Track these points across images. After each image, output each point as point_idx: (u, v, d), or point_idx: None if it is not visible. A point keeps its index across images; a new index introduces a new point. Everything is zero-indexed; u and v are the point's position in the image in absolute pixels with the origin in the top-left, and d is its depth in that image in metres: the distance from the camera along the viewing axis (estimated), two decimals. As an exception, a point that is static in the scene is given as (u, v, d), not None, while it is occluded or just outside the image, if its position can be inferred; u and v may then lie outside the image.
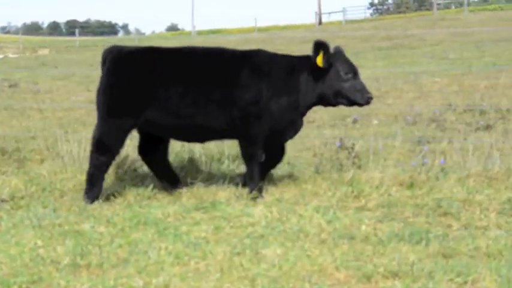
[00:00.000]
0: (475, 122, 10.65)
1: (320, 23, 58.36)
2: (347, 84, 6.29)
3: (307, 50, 6.60)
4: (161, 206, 6.05)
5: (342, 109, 6.77)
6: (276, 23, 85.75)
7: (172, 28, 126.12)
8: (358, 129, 10.43)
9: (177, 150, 7.47)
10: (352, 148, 7.22)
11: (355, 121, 11.11)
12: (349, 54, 6.56)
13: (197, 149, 7.43)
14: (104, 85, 6.38)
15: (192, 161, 7.25)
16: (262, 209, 5.80)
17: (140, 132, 6.52)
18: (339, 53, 6.43)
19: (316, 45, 6.28)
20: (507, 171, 6.54)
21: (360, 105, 6.36)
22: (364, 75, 7.29)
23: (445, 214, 5.72)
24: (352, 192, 6.22)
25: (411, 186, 6.42)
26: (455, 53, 23.51)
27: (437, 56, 23.75)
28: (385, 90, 15.00)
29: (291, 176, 6.97)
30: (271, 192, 6.38)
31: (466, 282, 4.26)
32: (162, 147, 6.63)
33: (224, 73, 6.35)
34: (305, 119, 6.62)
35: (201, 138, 6.60)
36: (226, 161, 7.43)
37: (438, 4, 57.64)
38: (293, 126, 6.42)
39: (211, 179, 6.84)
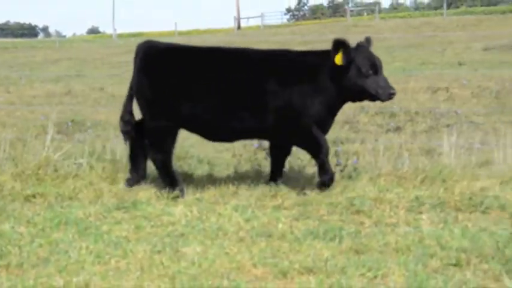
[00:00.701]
0: (385, 124, 11.00)
1: (239, 27, 58.62)
2: (369, 81, 6.21)
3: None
4: (82, 206, 6.04)
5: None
6: (196, 27, 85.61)
7: (93, 31, 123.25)
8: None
9: (99, 151, 7.45)
10: (270, 149, 7.35)
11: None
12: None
13: (118, 150, 7.40)
14: (137, 84, 6.43)
15: (113, 162, 7.20)
16: (182, 208, 5.86)
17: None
18: (361, 47, 6.32)
19: (335, 44, 6.14)
20: (415, 171, 6.70)
21: (382, 101, 6.32)
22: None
23: (358, 212, 5.82)
24: (270, 191, 6.32)
25: (326, 185, 6.53)
26: (368, 58, 23.95)
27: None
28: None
29: (210, 176, 7.02)
30: (191, 192, 6.43)
31: (376, 277, 4.38)
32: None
33: (255, 74, 6.28)
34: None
35: (234, 138, 6.60)
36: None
37: (351, 11, 59.09)
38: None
39: (132, 179, 6.84)
